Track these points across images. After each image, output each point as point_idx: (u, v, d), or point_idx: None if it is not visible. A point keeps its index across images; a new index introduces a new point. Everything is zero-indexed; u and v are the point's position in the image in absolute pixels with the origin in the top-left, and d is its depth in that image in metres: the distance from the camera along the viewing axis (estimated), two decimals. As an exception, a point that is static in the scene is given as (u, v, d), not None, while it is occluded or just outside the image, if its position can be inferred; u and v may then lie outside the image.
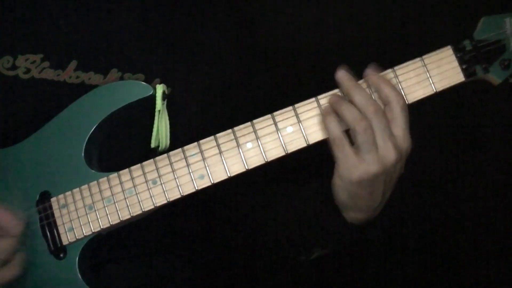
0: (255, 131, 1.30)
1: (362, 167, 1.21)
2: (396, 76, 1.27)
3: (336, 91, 1.28)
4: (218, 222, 1.62)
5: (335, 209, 1.32)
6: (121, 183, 1.33)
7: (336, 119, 1.24)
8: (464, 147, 1.26)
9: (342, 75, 1.25)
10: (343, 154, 1.23)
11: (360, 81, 1.27)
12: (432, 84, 1.27)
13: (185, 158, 1.31)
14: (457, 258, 2.09)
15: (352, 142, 1.24)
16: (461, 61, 1.26)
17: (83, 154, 1.36)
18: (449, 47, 1.27)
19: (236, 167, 1.30)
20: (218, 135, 1.31)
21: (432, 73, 1.27)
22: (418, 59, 1.28)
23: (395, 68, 1.28)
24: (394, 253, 2.07)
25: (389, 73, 1.28)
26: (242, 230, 1.62)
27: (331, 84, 1.28)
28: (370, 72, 1.26)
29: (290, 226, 1.45)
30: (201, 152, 1.31)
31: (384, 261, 2.08)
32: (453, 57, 1.27)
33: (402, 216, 1.36)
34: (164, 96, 1.38)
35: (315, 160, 1.39)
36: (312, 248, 1.46)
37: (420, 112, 1.29)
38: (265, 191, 1.52)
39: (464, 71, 1.27)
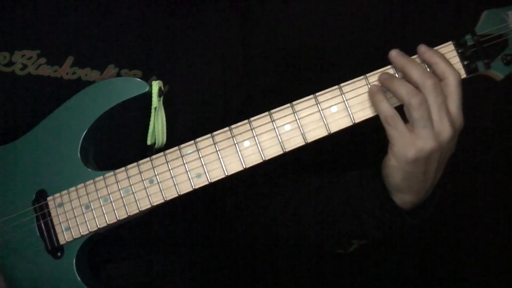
0: (252, 129, 1.28)
1: (418, 144, 1.18)
2: (397, 72, 1.25)
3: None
4: (219, 222, 1.61)
5: (384, 195, 1.28)
6: (117, 182, 1.32)
7: (386, 97, 1.21)
8: (464, 147, 1.25)
9: (395, 53, 1.22)
10: (398, 132, 1.20)
11: (414, 57, 1.24)
12: (433, 80, 1.25)
13: (182, 156, 1.29)
14: (457, 258, 2.08)
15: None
16: (462, 57, 1.24)
17: (79, 152, 1.34)
18: (450, 42, 1.24)
19: (233, 166, 1.28)
20: (215, 133, 1.29)
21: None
22: (417, 56, 1.25)
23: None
24: (394, 253, 2.07)
25: (389, 69, 1.26)
26: (245, 229, 1.61)
27: (332, 83, 1.26)
28: (424, 48, 1.22)
29: (332, 217, 1.40)
30: (198, 150, 1.29)
31: (384, 261, 2.08)
32: (454, 53, 1.24)
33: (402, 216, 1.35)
34: (160, 93, 1.36)
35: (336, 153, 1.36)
36: (354, 239, 1.42)
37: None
38: (283, 185, 1.49)
39: (466, 67, 1.24)
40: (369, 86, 1.25)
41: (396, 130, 1.20)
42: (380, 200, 1.29)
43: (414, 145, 1.19)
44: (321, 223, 1.42)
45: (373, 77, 1.26)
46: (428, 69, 1.22)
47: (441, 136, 1.18)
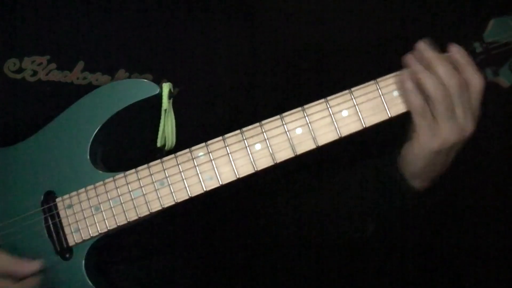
0: (264, 132, 1.29)
1: (443, 135, 1.23)
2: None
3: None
4: (219, 222, 1.62)
5: (402, 179, 1.33)
6: (127, 183, 1.32)
7: (416, 89, 1.24)
8: (464, 147, 1.29)
9: (423, 46, 1.25)
10: (426, 123, 1.24)
11: (444, 54, 1.25)
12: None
13: (193, 159, 1.30)
14: (457, 258, 2.11)
15: None
16: (471, 63, 1.26)
17: (88, 154, 1.34)
18: (459, 49, 1.27)
19: (245, 168, 1.29)
20: (226, 136, 1.29)
21: (442, 75, 1.27)
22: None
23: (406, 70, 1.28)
24: (394, 253, 2.09)
25: (399, 75, 1.27)
26: (245, 230, 1.62)
27: (338, 83, 1.27)
28: (457, 48, 1.25)
29: (347, 203, 1.46)
30: (209, 153, 1.30)
31: (384, 261, 2.10)
32: (463, 60, 1.27)
33: (402, 217, 1.38)
34: (171, 95, 1.36)
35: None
36: (369, 222, 1.47)
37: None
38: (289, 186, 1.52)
39: (474, 74, 1.26)
40: (399, 80, 1.25)
41: (425, 120, 1.24)
42: (398, 184, 1.33)
43: (440, 136, 1.23)
44: (337, 208, 1.46)
45: (384, 82, 1.28)
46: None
47: (464, 130, 1.23)
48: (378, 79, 1.28)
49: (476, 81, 1.23)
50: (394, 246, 2.04)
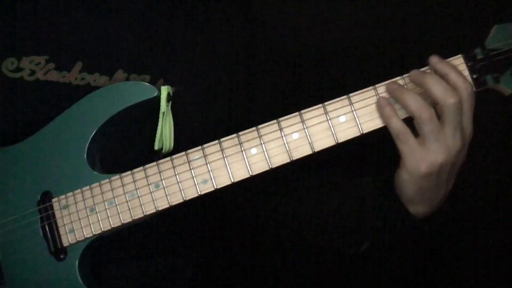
0: (260, 136, 1.28)
1: (430, 158, 1.18)
2: (406, 84, 1.25)
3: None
4: (220, 222, 1.61)
5: (398, 205, 1.29)
6: (123, 185, 1.31)
7: (395, 112, 1.21)
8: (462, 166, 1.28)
9: (415, 72, 1.22)
10: (409, 148, 1.20)
11: (424, 68, 1.24)
12: (442, 93, 1.25)
13: (189, 162, 1.29)
14: (457, 258, 2.08)
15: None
16: (472, 70, 1.24)
17: (85, 155, 1.34)
18: (460, 55, 1.25)
19: (240, 173, 1.28)
20: (222, 139, 1.29)
21: (442, 82, 1.25)
22: (429, 66, 1.25)
23: (405, 76, 1.26)
24: (395, 253, 2.06)
25: (399, 80, 1.26)
26: (245, 230, 1.60)
27: (335, 85, 1.26)
28: (436, 59, 1.22)
29: (344, 218, 1.42)
30: (205, 156, 1.29)
31: (384, 261, 2.07)
32: (464, 66, 1.24)
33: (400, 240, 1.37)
34: (169, 98, 1.36)
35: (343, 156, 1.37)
36: (365, 240, 1.43)
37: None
38: (291, 187, 1.50)
39: (475, 80, 1.24)
40: (377, 98, 1.25)
41: (407, 145, 1.20)
42: (395, 209, 1.30)
43: (425, 159, 1.19)
44: (331, 223, 1.43)
45: (382, 88, 1.26)
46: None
47: (451, 149, 1.19)
48: (377, 85, 1.27)
49: (462, 87, 1.19)
50: (394, 246, 2.01)
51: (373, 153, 1.32)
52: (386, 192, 1.31)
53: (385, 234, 1.36)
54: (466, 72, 1.24)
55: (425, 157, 1.19)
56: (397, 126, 1.21)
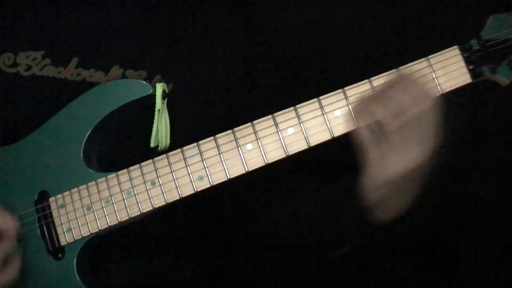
0: (255, 132, 1.27)
1: (394, 167, 1.19)
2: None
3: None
4: (219, 222, 1.61)
5: (362, 207, 1.29)
6: (119, 183, 1.31)
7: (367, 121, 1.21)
8: (464, 147, 1.25)
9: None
10: (376, 155, 1.21)
11: (385, 74, 1.24)
12: (438, 85, 1.24)
13: (184, 159, 1.29)
14: (457, 258, 2.06)
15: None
16: (467, 61, 1.23)
17: (82, 154, 1.34)
18: (455, 47, 1.23)
19: (236, 169, 1.28)
20: (217, 135, 1.28)
21: (438, 74, 1.24)
22: (424, 59, 1.24)
23: (400, 68, 1.25)
24: (394, 253, 2.05)
25: (393, 73, 1.25)
26: (245, 230, 1.60)
27: (333, 84, 1.25)
28: (402, 71, 1.23)
29: (315, 222, 1.42)
30: (201, 153, 1.29)
31: (384, 261, 2.06)
32: (460, 57, 1.23)
33: (401, 216, 1.35)
34: (164, 95, 1.35)
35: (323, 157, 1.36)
36: (336, 244, 1.44)
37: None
38: (276, 189, 1.49)
39: (471, 71, 1.23)
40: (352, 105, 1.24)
41: (373, 153, 1.21)
42: (359, 212, 1.30)
43: (390, 168, 1.19)
44: (317, 224, 1.42)
45: (377, 81, 1.25)
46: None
47: (414, 160, 1.19)
48: (372, 78, 1.26)
49: (423, 97, 1.17)
50: (394, 246, 2.00)
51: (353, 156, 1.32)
52: (358, 200, 1.31)
53: (361, 238, 1.37)
54: (462, 63, 1.23)
55: (390, 166, 1.19)
56: (366, 135, 1.21)
